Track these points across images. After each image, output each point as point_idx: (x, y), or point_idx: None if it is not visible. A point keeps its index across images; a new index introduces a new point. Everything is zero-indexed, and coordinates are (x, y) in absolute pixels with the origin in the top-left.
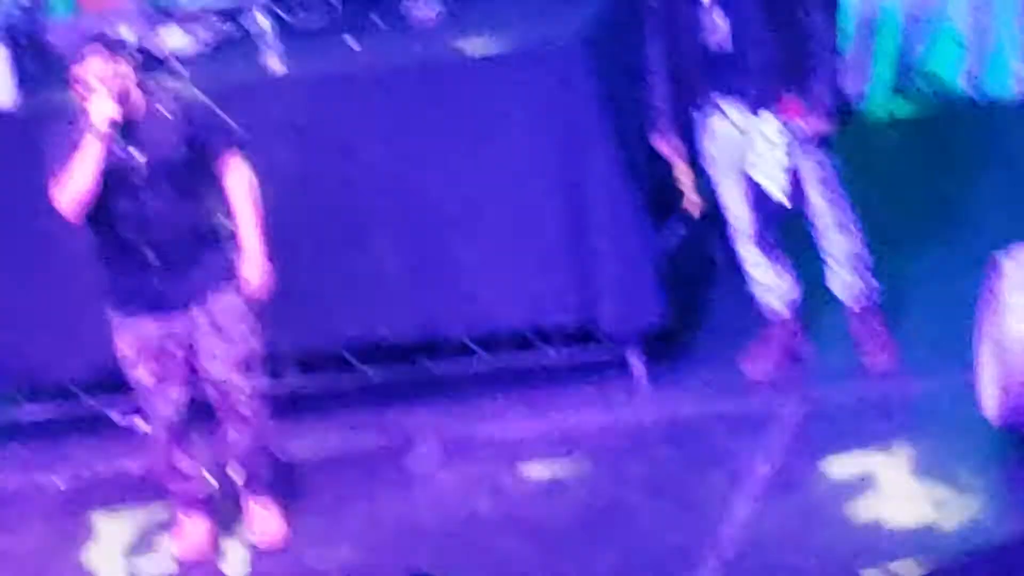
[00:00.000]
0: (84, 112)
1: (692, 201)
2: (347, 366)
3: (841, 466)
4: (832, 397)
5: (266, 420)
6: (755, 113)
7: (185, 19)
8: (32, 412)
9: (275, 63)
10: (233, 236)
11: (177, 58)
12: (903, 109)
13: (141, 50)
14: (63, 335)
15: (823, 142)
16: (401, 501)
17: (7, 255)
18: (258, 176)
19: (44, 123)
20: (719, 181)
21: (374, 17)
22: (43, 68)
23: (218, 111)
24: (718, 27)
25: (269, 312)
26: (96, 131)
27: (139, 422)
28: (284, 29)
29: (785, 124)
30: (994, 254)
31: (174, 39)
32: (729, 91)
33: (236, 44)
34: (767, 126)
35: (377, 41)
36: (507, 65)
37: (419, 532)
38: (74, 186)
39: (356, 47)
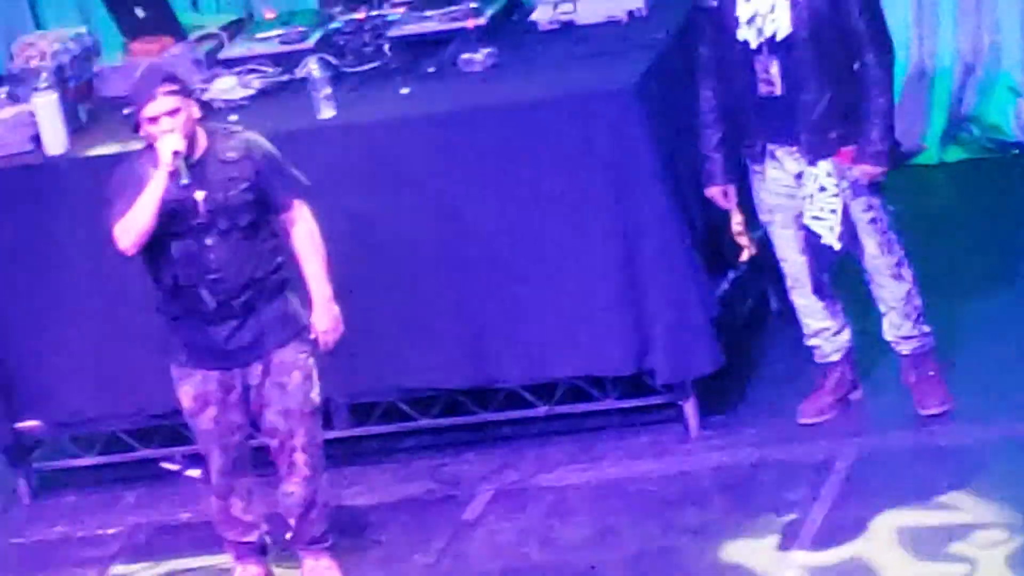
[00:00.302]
0: (150, 150)
1: (745, 247)
2: (401, 415)
3: (894, 516)
4: (886, 445)
5: (323, 473)
6: (811, 163)
7: (236, 66)
8: (84, 461)
9: (326, 109)
10: (292, 288)
11: (227, 104)
12: (955, 155)
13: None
14: (115, 383)
15: (876, 187)
16: (456, 550)
17: (60, 301)
18: None
19: (91, 169)
20: (773, 230)
21: (425, 63)
22: (92, 115)
23: (282, 158)
24: (772, 75)
25: (325, 360)
26: (163, 165)
27: (192, 472)
28: (335, 75)
29: (839, 169)
30: None
31: (225, 85)
32: (783, 139)
33: (287, 90)
34: (821, 172)
35: (428, 87)
36: (559, 110)
37: None
38: (136, 220)
39: (406, 92)
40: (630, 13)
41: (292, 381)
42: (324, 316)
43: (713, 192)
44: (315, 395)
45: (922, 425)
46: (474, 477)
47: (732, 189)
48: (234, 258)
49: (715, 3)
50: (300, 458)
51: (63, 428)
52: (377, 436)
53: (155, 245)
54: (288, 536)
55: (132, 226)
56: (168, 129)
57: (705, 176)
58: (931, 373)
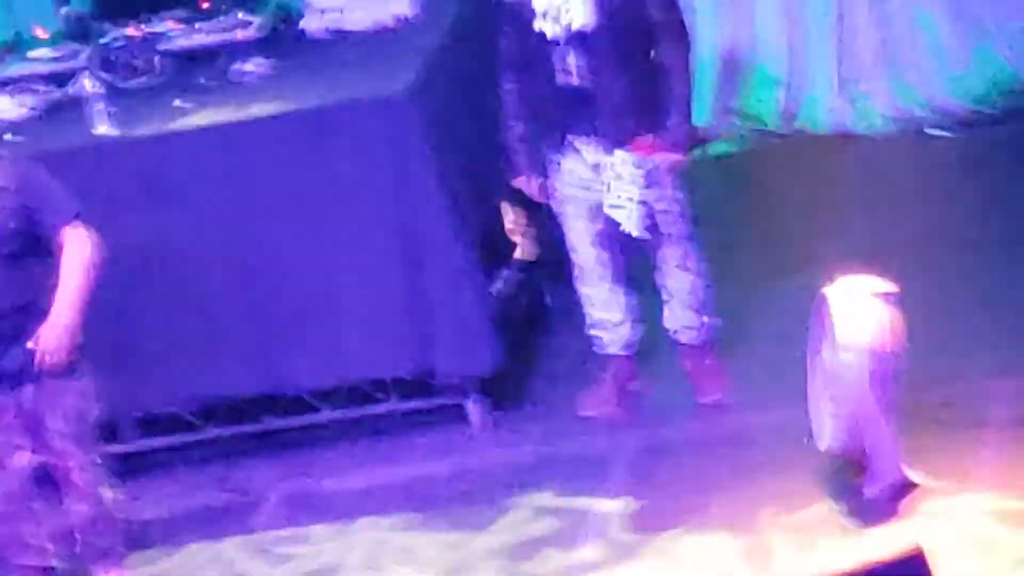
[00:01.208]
0: None
1: (519, 245)
2: (189, 425)
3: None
4: (668, 434)
5: (104, 488)
6: (609, 152)
7: (10, 85)
8: None
9: (102, 124)
10: None
11: (2, 124)
12: (720, 148)
13: None
14: None
15: (672, 177)
16: (248, 559)
17: None
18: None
19: None
20: (565, 221)
21: (198, 76)
22: None
23: (51, 182)
24: (569, 65)
25: (109, 374)
26: None
27: None
28: (111, 92)
29: (638, 159)
30: (821, 287)
31: (1, 106)
32: (582, 129)
33: (64, 109)
34: (621, 162)
35: (202, 99)
36: (336, 116)
37: None
38: None
39: (180, 105)
40: (398, 18)
41: (64, 402)
42: (48, 334)
43: (520, 182)
44: (89, 413)
45: (700, 414)
46: (263, 483)
47: (536, 179)
48: (4, 285)
49: None
50: (78, 477)
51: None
52: (164, 448)
53: None
54: (83, 550)
55: None
56: None
57: (511, 167)
58: (708, 362)
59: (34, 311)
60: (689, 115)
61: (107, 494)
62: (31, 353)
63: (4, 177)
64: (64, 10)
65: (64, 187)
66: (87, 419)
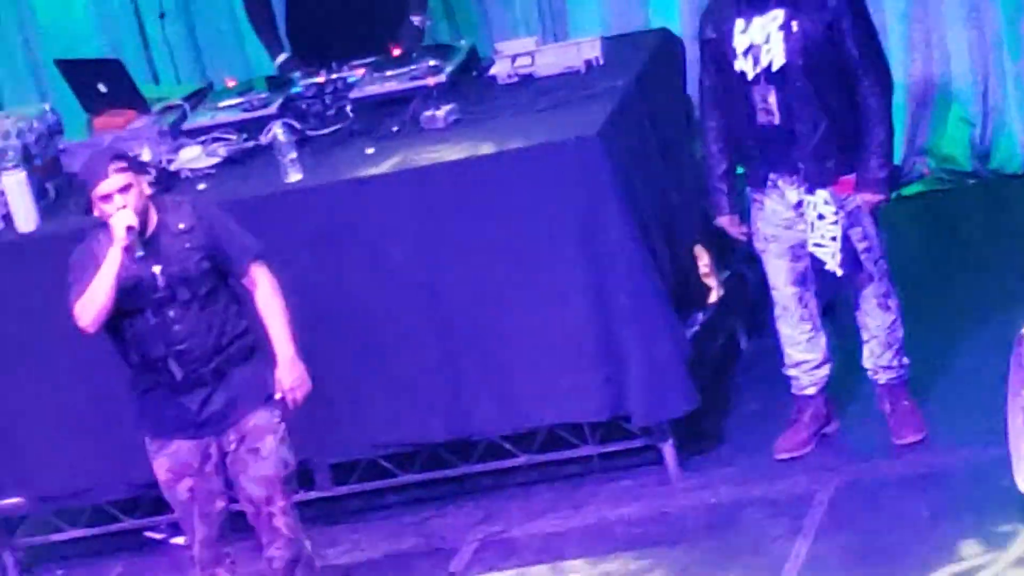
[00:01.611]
0: (105, 228)
1: (712, 288)
2: (383, 472)
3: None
4: (864, 475)
5: (303, 534)
6: (811, 191)
7: (200, 135)
8: (70, 534)
9: (293, 172)
10: (260, 351)
11: (194, 173)
12: (913, 188)
13: (157, 168)
14: (97, 455)
15: (872, 217)
16: None
17: (38, 380)
18: (282, 286)
19: (63, 245)
20: (767, 259)
21: (387, 123)
22: (60, 190)
23: (235, 224)
24: (770, 104)
25: (303, 421)
26: (118, 241)
27: (177, 540)
28: (300, 139)
29: (836, 197)
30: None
31: (191, 155)
32: (783, 168)
33: (253, 156)
34: (823, 201)
35: (392, 145)
36: (523, 162)
37: None
38: (94, 297)
39: (371, 152)
40: (587, 63)
41: (266, 446)
42: (288, 374)
43: (723, 222)
44: (290, 458)
45: (898, 455)
46: (459, 529)
47: (737, 219)
48: (198, 327)
49: (714, 35)
50: (280, 522)
51: (47, 503)
52: (360, 494)
53: (118, 323)
54: None
55: (90, 304)
56: (120, 205)
57: (714, 207)
58: (906, 403)
59: (232, 355)
60: (891, 155)
61: (305, 539)
62: (233, 397)
63: (188, 218)
64: (282, 57)
65: (243, 227)
66: (289, 463)
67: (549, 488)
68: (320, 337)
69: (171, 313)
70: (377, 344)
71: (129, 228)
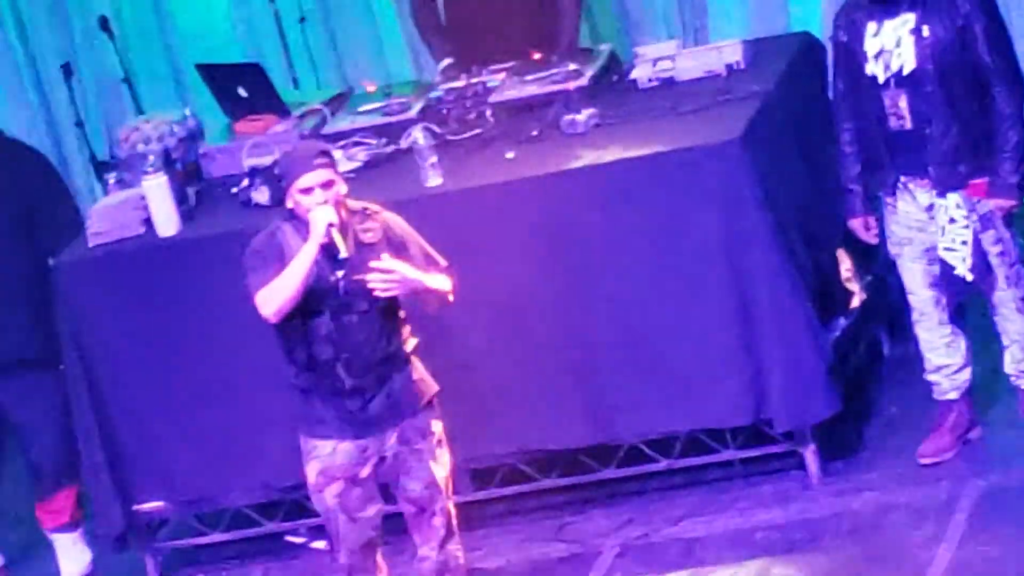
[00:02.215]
0: (293, 221)
1: (855, 293)
2: (523, 476)
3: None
4: (1008, 482)
5: (455, 535)
6: (942, 195)
7: (340, 139)
8: (210, 538)
9: (433, 177)
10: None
11: None
12: None
13: None
14: (237, 459)
15: (1007, 220)
16: None
17: (179, 384)
18: None
19: (204, 249)
20: (902, 263)
21: (528, 127)
22: (200, 195)
23: (420, 239)
24: (900, 108)
25: (446, 426)
26: (316, 236)
27: (317, 544)
28: (440, 143)
29: (968, 201)
30: None
31: None
32: (914, 171)
33: (393, 161)
34: (954, 205)
35: (532, 150)
36: (665, 166)
37: None
38: (283, 288)
39: (512, 156)
40: (729, 67)
41: (427, 447)
42: (401, 268)
43: (855, 224)
44: (447, 459)
45: None
46: (600, 534)
47: (872, 220)
48: (371, 336)
49: (845, 38)
50: (437, 522)
51: (187, 506)
52: (500, 499)
53: (291, 321)
54: None
55: (277, 294)
56: (321, 200)
57: (846, 209)
58: None
59: (396, 360)
60: (1023, 160)
61: (456, 540)
62: (395, 401)
63: (377, 231)
64: (446, 62)
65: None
66: (446, 463)
67: (690, 493)
68: (462, 342)
69: (347, 320)
70: (518, 349)
71: (330, 224)
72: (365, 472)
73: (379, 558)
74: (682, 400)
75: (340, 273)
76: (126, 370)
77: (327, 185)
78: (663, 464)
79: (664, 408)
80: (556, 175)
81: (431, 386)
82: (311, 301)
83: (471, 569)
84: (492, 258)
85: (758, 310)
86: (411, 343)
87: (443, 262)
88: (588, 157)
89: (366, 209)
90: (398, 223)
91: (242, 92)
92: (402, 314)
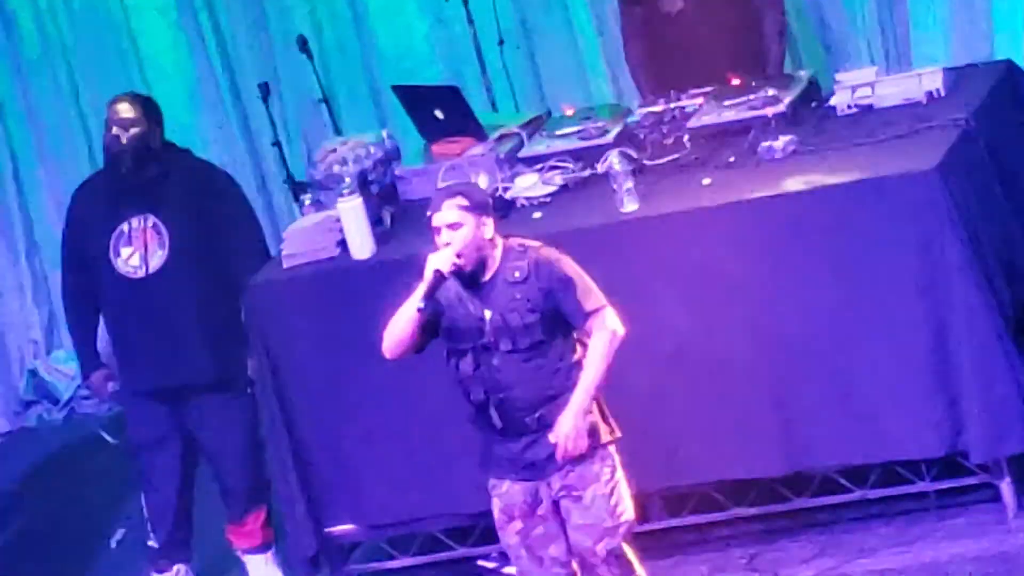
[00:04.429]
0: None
1: None
2: (715, 504)
3: None
4: None
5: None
6: None
7: (537, 163)
8: (401, 562)
9: (629, 202)
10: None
11: (529, 202)
12: None
13: (493, 196)
14: (429, 484)
15: None
16: None
17: (373, 408)
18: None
19: (398, 272)
20: None
21: (725, 153)
22: (396, 217)
23: (578, 277)
24: None
25: (639, 454)
26: (424, 281)
27: (509, 569)
28: (636, 168)
29: None
30: None
31: (527, 183)
32: None
33: (589, 185)
34: None
35: (729, 176)
36: (862, 194)
37: None
38: (393, 327)
39: (708, 183)
40: (928, 94)
41: (589, 495)
42: (567, 422)
43: None
44: (621, 509)
45: None
46: (791, 564)
47: None
48: (521, 378)
49: None
50: (603, 571)
51: (378, 530)
52: (692, 527)
53: (450, 359)
54: None
55: (390, 332)
56: (445, 242)
57: None
58: None
59: (559, 404)
60: None
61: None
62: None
63: (524, 269)
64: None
65: (586, 275)
66: (616, 513)
67: (884, 524)
68: (656, 369)
69: (493, 361)
70: (712, 377)
71: (437, 272)
72: (543, 512)
73: None
74: (876, 430)
75: (488, 314)
76: (319, 393)
77: (454, 226)
78: (857, 495)
79: (858, 438)
80: (752, 202)
81: (604, 431)
82: (456, 340)
83: None
84: (686, 284)
85: (954, 342)
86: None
87: (601, 302)
88: (785, 184)
89: (522, 245)
90: (550, 259)
91: (439, 114)
92: (575, 356)
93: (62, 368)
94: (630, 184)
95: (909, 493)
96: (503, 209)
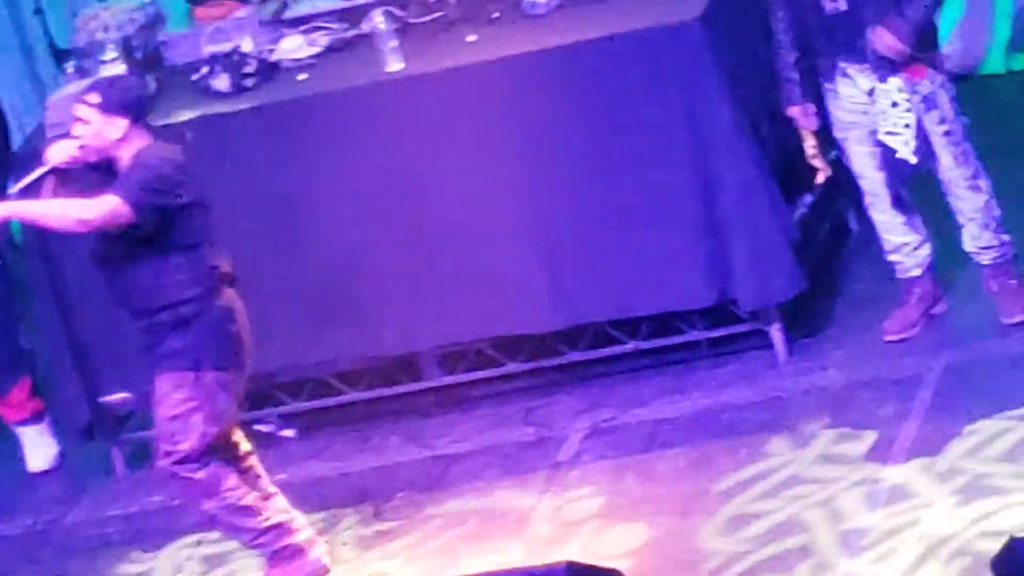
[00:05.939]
0: None
1: (820, 170)
2: (490, 361)
3: (986, 427)
4: (972, 356)
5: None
6: (882, 80)
7: (301, 24)
8: None
9: (394, 61)
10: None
11: (294, 64)
12: (1021, 63)
13: (258, 59)
14: None
15: (951, 100)
16: (555, 490)
17: None
18: (381, 177)
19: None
20: (849, 147)
21: (489, 9)
22: (161, 83)
23: (143, 172)
24: None
25: (409, 311)
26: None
27: (286, 432)
28: (401, 27)
29: (909, 83)
30: None
31: (292, 45)
32: (852, 56)
33: (354, 45)
34: (892, 87)
35: (494, 32)
36: (627, 47)
37: (569, 523)
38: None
39: (473, 39)
40: None
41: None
42: None
43: (794, 111)
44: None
45: (1006, 334)
46: (566, 417)
47: (812, 107)
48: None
49: None
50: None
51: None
52: (467, 384)
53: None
54: None
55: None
56: (74, 135)
57: (784, 96)
58: (1012, 282)
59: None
60: (929, 24)
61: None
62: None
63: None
64: None
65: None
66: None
67: (656, 374)
68: (424, 227)
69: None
70: (482, 233)
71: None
72: None
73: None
74: (647, 282)
75: None
76: (82, 267)
77: (81, 122)
78: (629, 346)
79: (629, 290)
80: (517, 57)
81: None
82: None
83: (438, 455)
84: (453, 142)
85: (721, 189)
86: (190, 308)
87: (125, 195)
88: (549, 39)
89: (148, 150)
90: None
91: None
92: (180, 277)
93: None
94: (394, 43)
95: (681, 343)
96: (268, 72)
